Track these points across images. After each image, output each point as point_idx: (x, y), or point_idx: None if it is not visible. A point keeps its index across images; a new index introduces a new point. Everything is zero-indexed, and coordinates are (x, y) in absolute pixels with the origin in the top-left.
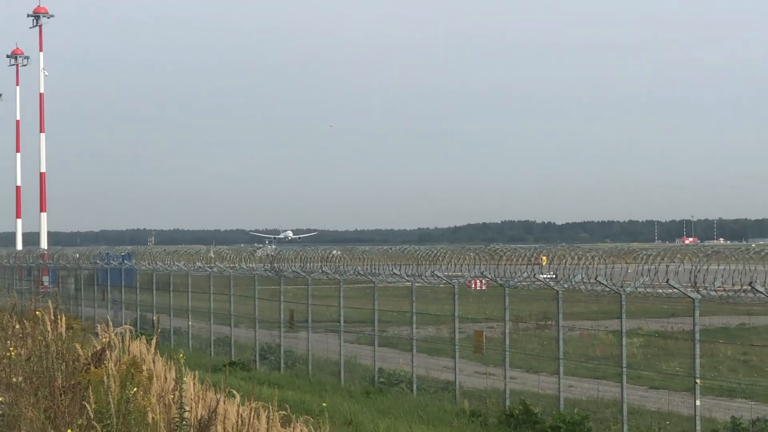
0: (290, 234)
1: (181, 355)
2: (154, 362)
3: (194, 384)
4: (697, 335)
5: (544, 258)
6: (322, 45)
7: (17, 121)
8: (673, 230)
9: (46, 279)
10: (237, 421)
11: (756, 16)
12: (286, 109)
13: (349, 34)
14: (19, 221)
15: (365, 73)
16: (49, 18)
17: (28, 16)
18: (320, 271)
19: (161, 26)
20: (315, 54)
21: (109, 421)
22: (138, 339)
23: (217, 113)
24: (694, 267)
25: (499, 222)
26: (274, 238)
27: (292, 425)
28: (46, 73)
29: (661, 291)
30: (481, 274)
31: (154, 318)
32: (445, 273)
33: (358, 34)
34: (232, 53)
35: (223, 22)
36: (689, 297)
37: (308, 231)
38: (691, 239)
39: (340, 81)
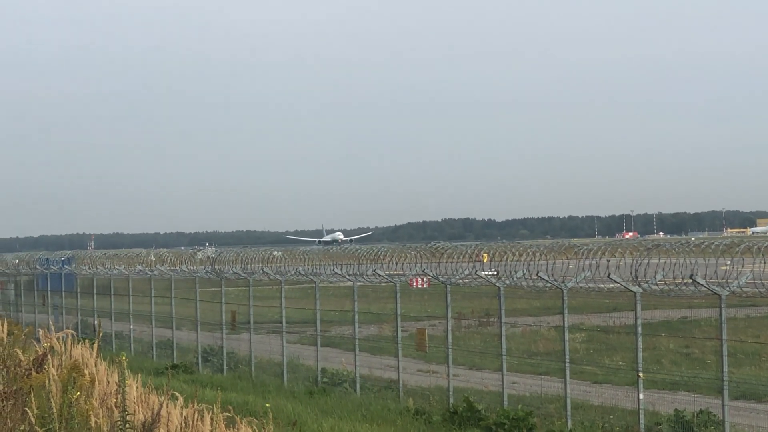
0: (340, 235)
1: (124, 358)
2: (96, 366)
3: (137, 387)
4: (639, 329)
5: (485, 255)
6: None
7: None
8: (613, 225)
9: None
10: (180, 424)
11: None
12: (215, 111)
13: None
14: None
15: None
16: None
17: None
18: (261, 272)
19: (101, 26)
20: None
21: (51, 426)
22: (80, 343)
23: (150, 117)
24: (635, 261)
25: (440, 220)
26: (318, 241)
27: (236, 427)
28: None
29: (602, 286)
30: (423, 272)
31: (96, 322)
32: (387, 272)
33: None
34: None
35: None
36: (631, 291)
37: (361, 231)
38: (631, 234)
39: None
